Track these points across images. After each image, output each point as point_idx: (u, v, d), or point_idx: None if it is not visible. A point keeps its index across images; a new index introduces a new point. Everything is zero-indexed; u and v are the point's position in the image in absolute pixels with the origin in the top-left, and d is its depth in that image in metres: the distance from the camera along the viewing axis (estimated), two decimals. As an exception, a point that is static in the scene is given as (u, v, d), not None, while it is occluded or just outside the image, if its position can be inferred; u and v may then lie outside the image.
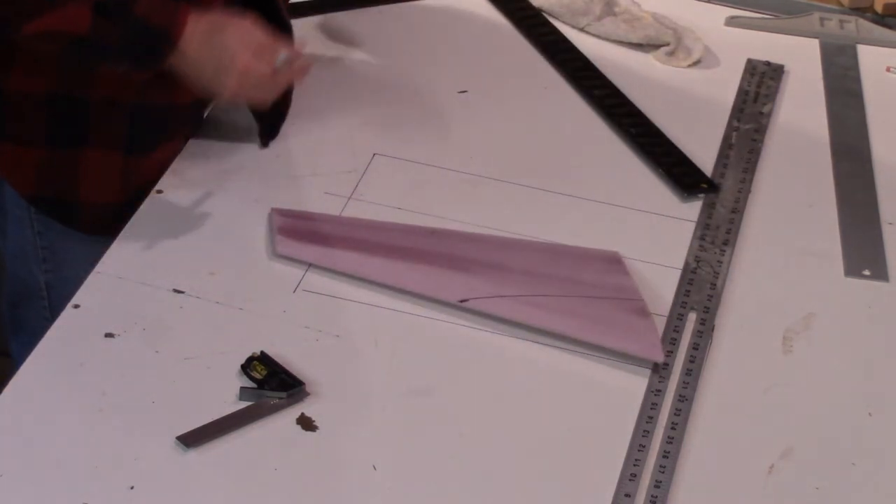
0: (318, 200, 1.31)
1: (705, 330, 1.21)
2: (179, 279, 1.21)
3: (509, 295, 1.22)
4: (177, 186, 1.32)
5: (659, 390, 1.14)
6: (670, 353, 1.18)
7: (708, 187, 1.40)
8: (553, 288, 1.24)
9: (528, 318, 1.19)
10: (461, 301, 1.20)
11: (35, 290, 1.38)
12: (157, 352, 1.14)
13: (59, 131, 1.28)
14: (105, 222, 1.30)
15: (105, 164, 1.30)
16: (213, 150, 1.37)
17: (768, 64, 1.62)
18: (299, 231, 1.27)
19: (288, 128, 1.41)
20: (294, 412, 1.09)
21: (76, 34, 1.17)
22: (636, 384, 1.15)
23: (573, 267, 1.27)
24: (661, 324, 1.21)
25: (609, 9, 1.66)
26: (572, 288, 1.24)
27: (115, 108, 1.28)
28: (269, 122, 1.38)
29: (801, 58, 1.65)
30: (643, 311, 1.21)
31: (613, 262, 1.27)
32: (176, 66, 1.22)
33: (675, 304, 1.24)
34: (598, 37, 1.65)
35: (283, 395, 1.09)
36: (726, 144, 1.47)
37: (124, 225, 1.26)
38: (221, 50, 1.22)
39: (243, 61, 1.22)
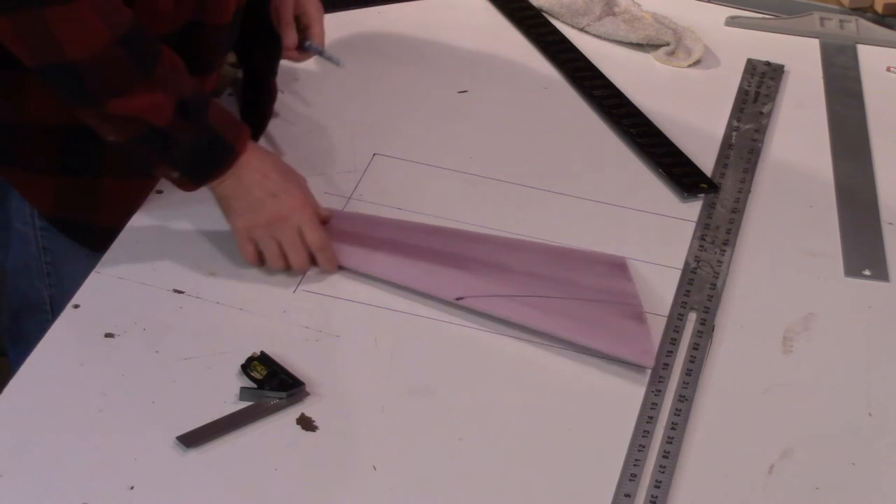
0: (319, 200, 1.31)
1: (705, 330, 1.21)
2: (179, 279, 1.21)
3: (505, 294, 1.22)
4: (177, 186, 1.32)
5: (659, 390, 1.14)
6: (670, 353, 1.18)
7: (708, 187, 1.40)
8: (550, 289, 1.23)
9: (523, 318, 1.19)
10: (457, 299, 1.20)
11: (37, 304, 1.38)
12: (157, 352, 1.14)
13: (75, 161, 1.27)
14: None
15: (122, 191, 1.29)
16: (213, 150, 1.37)
17: (768, 64, 1.62)
18: (299, 231, 1.27)
19: (288, 128, 1.41)
20: (294, 412, 1.09)
21: (155, 124, 1.14)
22: (636, 384, 1.15)
23: (574, 270, 1.27)
24: (661, 324, 1.21)
25: (609, 9, 1.66)
26: (569, 290, 1.24)
27: None
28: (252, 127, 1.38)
29: (801, 58, 1.65)
30: (639, 316, 1.21)
31: (616, 266, 1.27)
32: (223, 185, 1.20)
33: (675, 304, 1.24)
34: (598, 37, 1.65)
35: (283, 395, 1.09)
36: (726, 144, 1.47)
37: None
38: (277, 188, 1.21)
39: (291, 215, 1.21)
